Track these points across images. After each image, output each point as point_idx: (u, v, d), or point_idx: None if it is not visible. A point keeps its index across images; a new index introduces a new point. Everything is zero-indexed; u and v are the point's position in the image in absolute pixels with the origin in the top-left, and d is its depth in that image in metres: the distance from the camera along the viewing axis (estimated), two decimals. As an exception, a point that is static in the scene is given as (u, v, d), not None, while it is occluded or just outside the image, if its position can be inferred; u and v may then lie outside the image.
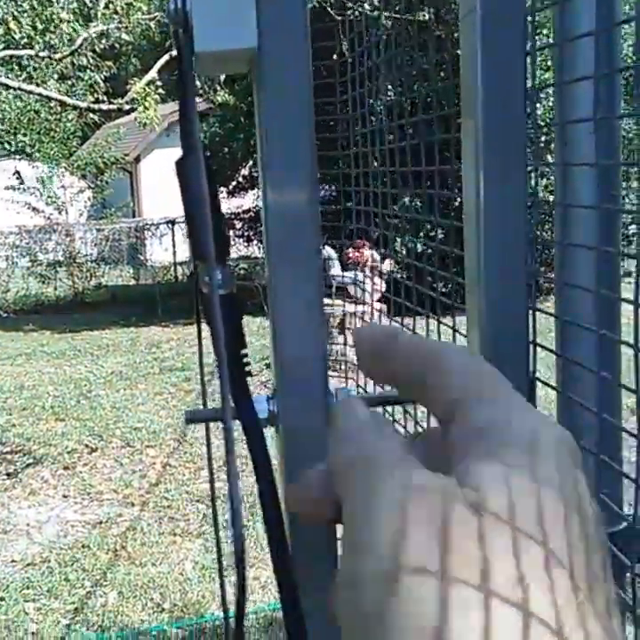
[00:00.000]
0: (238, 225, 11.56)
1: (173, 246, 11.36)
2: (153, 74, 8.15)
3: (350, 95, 1.11)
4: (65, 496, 4.35)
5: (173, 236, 11.35)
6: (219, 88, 9.85)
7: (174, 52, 0.40)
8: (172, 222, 11.23)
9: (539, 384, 0.46)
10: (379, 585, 0.23)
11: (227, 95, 9.95)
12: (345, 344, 1.70)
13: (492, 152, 0.43)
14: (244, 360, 0.41)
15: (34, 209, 11.92)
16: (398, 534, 0.23)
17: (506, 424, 0.27)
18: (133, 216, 15.08)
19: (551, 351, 0.47)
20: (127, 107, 8.28)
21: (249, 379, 0.41)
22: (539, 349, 0.47)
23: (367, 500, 0.26)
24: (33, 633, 3.00)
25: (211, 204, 0.36)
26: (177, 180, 0.38)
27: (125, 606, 3.16)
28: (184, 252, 11.03)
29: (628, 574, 0.43)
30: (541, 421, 0.27)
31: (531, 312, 0.45)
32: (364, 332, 0.36)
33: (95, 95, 9.74)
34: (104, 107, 8.54)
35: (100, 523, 3.97)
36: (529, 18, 0.43)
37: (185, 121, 0.37)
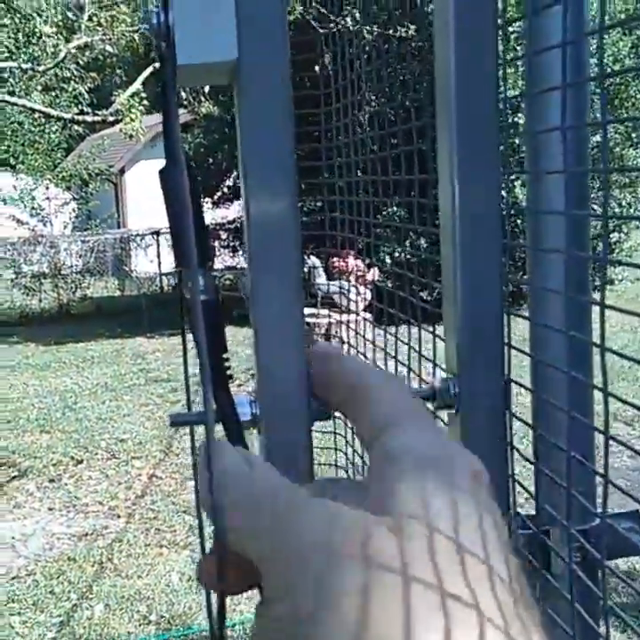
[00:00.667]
0: (223, 235, 11.55)
1: (158, 257, 11.34)
2: (137, 85, 8.16)
3: (334, 107, 1.13)
4: (50, 509, 4.32)
5: (158, 246, 11.33)
6: (203, 99, 9.88)
7: (158, 64, 0.41)
8: (157, 233, 11.21)
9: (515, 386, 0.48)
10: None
11: (211, 106, 9.98)
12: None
13: (467, 161, 0.44)
14: (226, 364, 0.42)
15: (18, 221, 11.87)
16: (327, 569, 0.24)
17: (420, 450, 0.29)
18: (118, 227, 15.05)
19: (525, 353, 0.48)
20: (112, 118, 8.29)
21: (233, 387, 0.42)
22: (521, 356, 0.49)
23: (292, 556, 0.26)
24: (18, 647, 2.98)
25: (193, 212, 0.37)
26: (160, 190, 0.39)
27: (112, 619, 3.14)
28: (169, 263, 11.00)
29: (599, 569, 0.44)
30: (454, 448, 0.30)
31: (506, 316, 0.46)
32: (317, 350, 0.39)
33: (79, 107, 9.75)
34: (88, 118, 8.55)
35: (86, 535, 3.94)
36: (500, 32, 0.44)
37: (168, 131, 0.38)
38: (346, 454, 1.01)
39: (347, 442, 1.00)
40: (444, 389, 0.45)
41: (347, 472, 1.01)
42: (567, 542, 0.45)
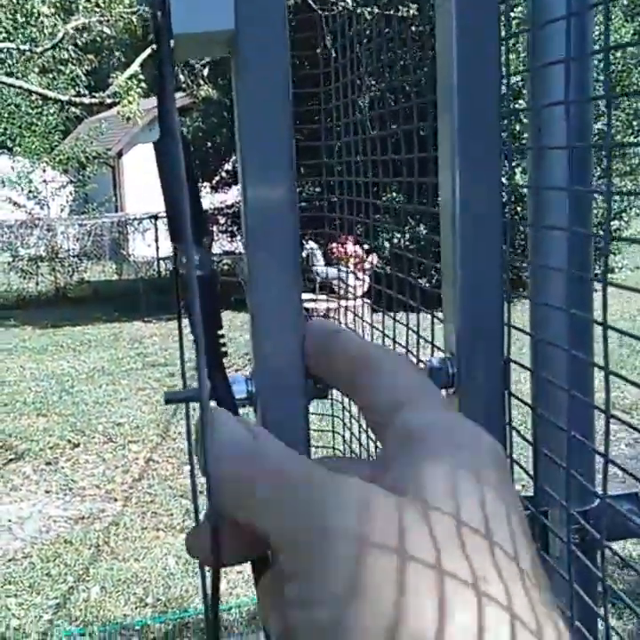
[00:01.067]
0: (222, 220, 11.52)
1: (156, 241, 11.29)
2: (135, 67, 8.11)
3: (333, 86, 1.11)
4: (47, 491, 4.33)
5: (156, 230, 11.29)
6: (202, 83, 9.82)
7: (154, 36, 0.40)
8: (155, 217, 11.16)
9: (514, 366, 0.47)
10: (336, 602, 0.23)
11: (210, 90, 9.92)
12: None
13: (467, 142, 0.44)
14: (221, 341, 0.41)
15: (15, 203, 11.83)
16: (354, 551, 0.23)
17: (444, 430, 0.28)
18: (116, 211, 15.00)
19: (525, 332, 0.48)
20: (109, 100, 8.25)
21: (231, 371, 0.42)
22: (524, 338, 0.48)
23: (310, 523, 0.25)
24: (15, 628, 2.99)
25: (188, 185, 0.36)
26: (155, 163, 0.38)
27: (108, 601, 3.15)
28: (167, 247, 10.96)
29: (599, 549, 0.44)
30: (474, 428, 0.29)
31: (505, 298, 0.46)
32: (314, 327, 0.37)
33: (77, 89, 9.70)
34: (86, 100, 8.50)
35: (83, 518, 3.95)
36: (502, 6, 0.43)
37: (162, 104, 0.37)
38: (343, 437, 1.01)
39: (344, 425, 1.00)
40: (442, 369, 0.44)
41: (344, 455, 1.00)
42: (566, 523, 0.44)
